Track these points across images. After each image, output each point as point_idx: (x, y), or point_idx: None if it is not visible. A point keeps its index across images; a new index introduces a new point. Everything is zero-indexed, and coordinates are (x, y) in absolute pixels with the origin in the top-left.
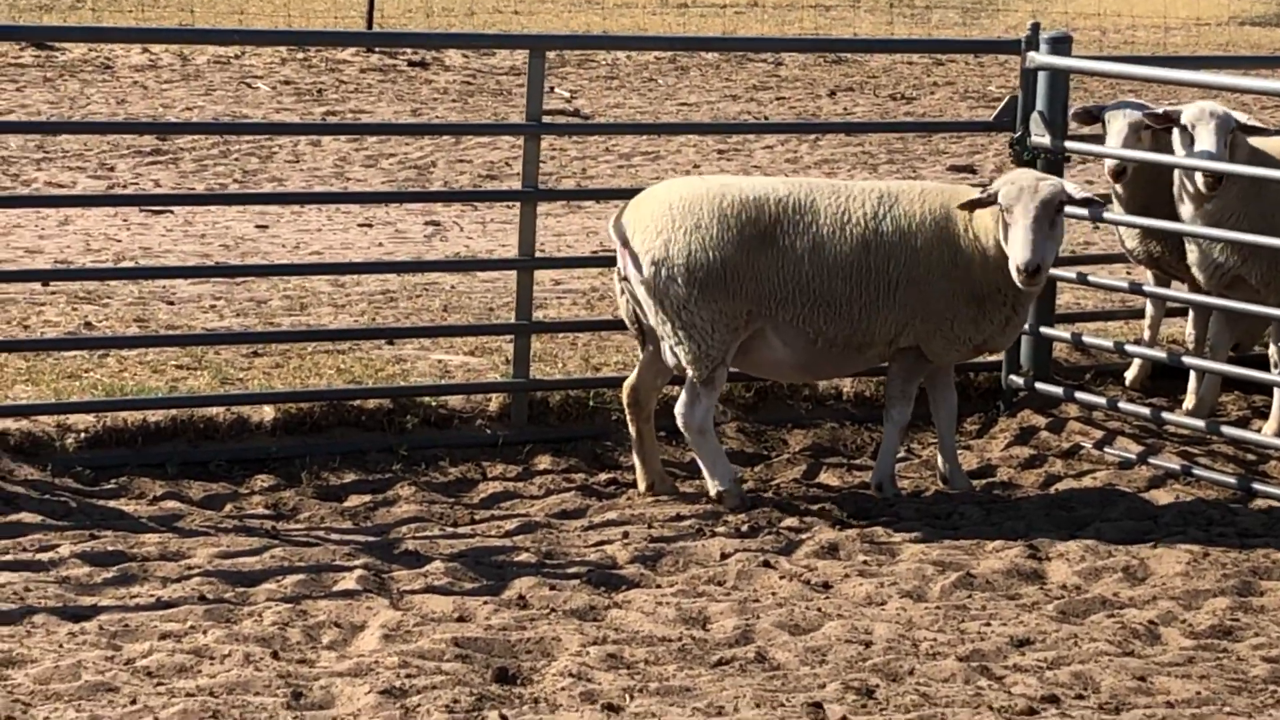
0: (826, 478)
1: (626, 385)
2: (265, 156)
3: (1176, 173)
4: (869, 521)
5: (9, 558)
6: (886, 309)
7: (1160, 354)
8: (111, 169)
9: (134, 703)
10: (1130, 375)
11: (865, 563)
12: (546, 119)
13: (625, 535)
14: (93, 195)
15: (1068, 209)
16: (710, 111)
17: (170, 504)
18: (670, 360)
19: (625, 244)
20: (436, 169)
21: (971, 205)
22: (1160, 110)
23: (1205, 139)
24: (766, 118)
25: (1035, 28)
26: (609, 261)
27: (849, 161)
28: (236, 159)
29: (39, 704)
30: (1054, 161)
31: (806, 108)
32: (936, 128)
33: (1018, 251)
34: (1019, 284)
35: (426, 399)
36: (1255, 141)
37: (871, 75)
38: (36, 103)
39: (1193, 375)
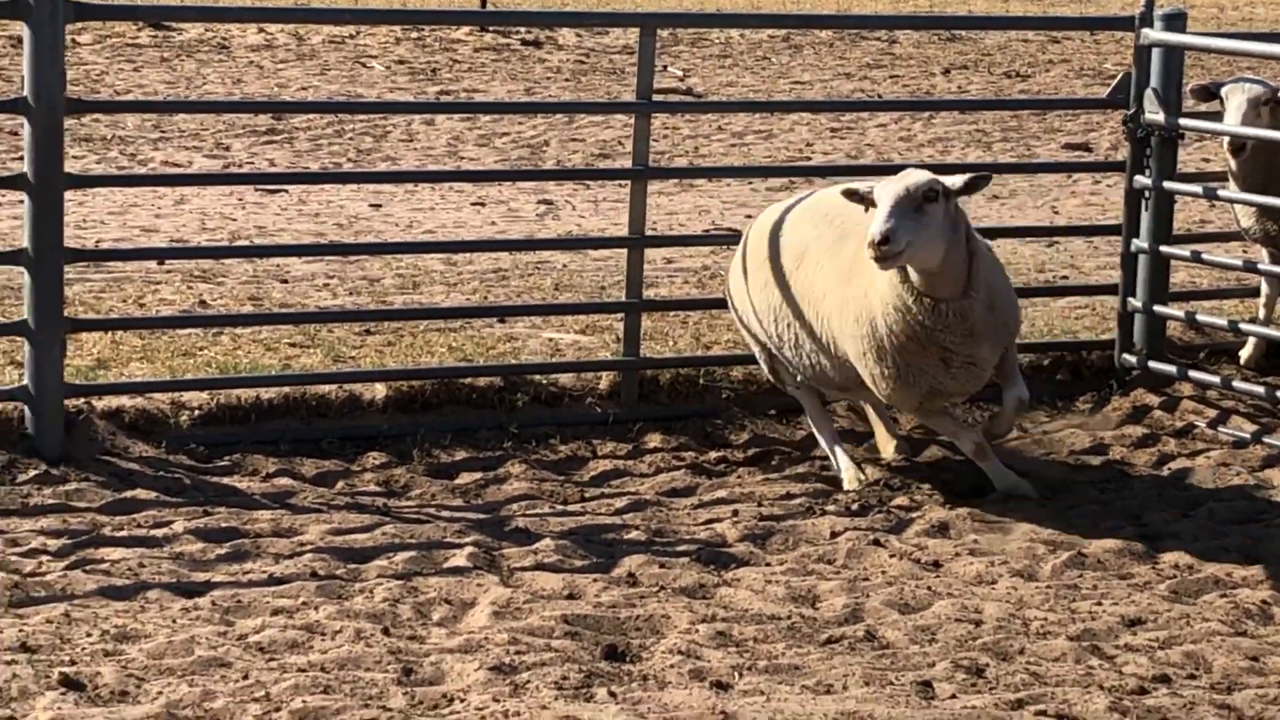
0: (937, 455)
1: None
2: (379, 136)
3: None
4: (980, 500)
5: (124, 534)
6: (827, 357)
7: (1275, 333)
8: (227, 148)
9: (246, 678)
10: (1245, 354)
11: (976, 541)
12: (658, 98)
13: (735, 513)
14: (208, 174)
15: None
16: (823, 90)
17: (283, 481)
18: None
19: None
20: (549, 148)
21: (849, 195)
22: None
23: None
24: (880, 96)
25: (1150, 4)
26: (720, 240)
27: (963, 140)
28: (350, 138)
29: (152, 678)
30: (1168, 139)
31: (920, 86)
32: (1049, 105)
33: (871, 227)
34: (869, 257)
35: (537, 377)
36: None
37: (986, 53)
38: (153, 82)
39: None
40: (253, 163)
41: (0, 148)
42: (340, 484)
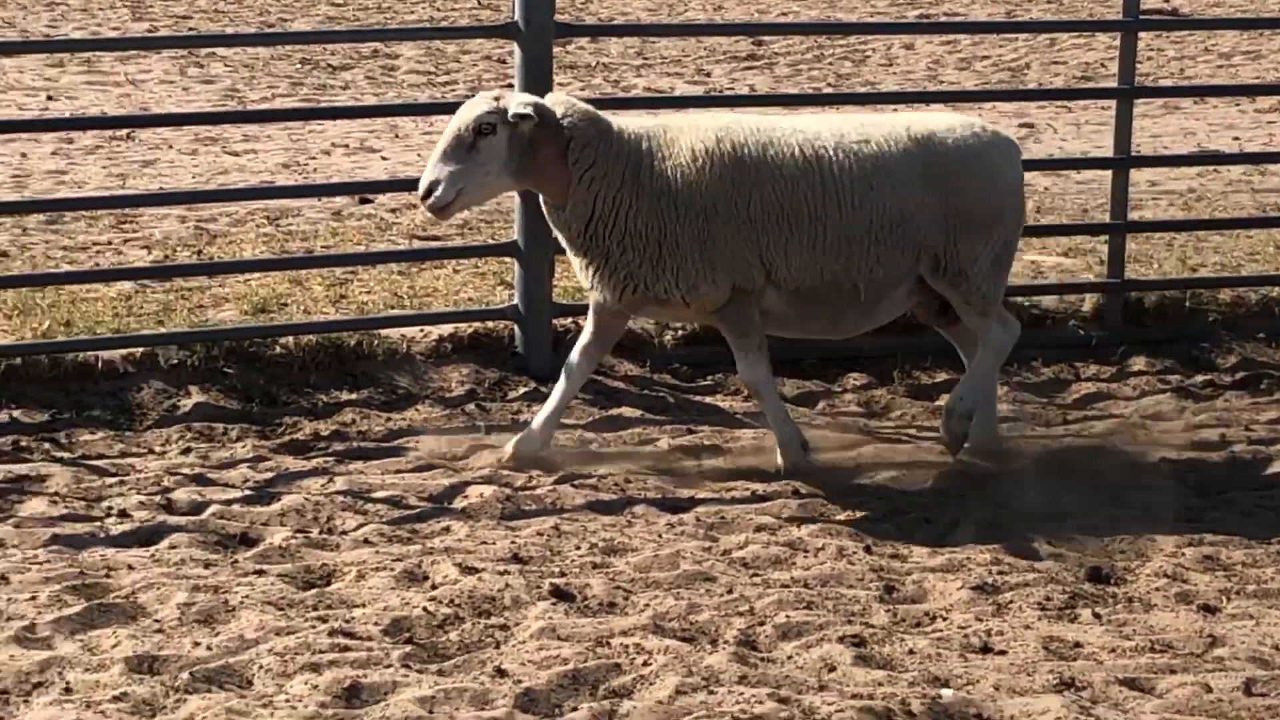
0: None
1: None
2: (858, 61)
3: None
4: None
5: (611, 450)
6: None
7: None
8: (708, 74)
9: (730, 592)
10: None
11: None
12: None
13: (1222, 438)
14: (688, 96)
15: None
16: None
17: None
18: None
19: None
20: (1030, 71)
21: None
22: None
23: None
24: None
25: None
26: (1208, 160)
27: None
28: (830, 63)
29: (639, 591)
30: None
31: None
32: None
33: None
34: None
35: (1020, 299)
36: None
37: None
38: (636, 10)
39: None
40: (733, 88)
41: (488, 75)
42: (821, 404)
